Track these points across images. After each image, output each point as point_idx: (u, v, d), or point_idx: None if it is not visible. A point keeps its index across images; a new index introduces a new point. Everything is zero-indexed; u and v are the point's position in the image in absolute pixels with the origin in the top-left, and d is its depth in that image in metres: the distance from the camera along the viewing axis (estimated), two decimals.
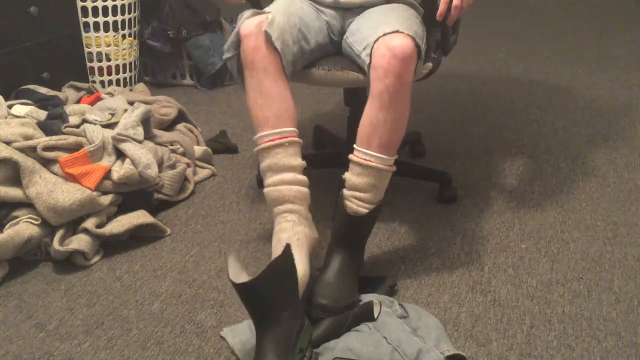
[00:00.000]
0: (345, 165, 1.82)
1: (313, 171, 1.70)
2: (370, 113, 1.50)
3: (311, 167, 1.69)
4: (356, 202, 1.51)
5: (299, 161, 1.53)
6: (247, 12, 1.58)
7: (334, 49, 1.75)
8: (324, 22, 1.71)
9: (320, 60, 1.72)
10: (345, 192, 1.53)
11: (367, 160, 1.50)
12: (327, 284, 1.46)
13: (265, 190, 1.53)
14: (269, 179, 1.53)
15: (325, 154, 1.75)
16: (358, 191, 1.51)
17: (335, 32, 1.73)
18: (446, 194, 1.97)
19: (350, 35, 1.67)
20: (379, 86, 1.47)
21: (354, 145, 1.53)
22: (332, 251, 1.53)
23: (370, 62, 1.50)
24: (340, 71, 1.68)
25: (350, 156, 1.53)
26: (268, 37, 1.51)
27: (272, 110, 1.54)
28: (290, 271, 1.27)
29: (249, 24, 1.54)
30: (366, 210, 1.51)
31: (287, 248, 1.25)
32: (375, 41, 1.49)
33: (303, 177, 1.54)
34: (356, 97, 1.95)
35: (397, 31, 1.48)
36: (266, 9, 1.60)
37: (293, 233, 1.47)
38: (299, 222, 1.50)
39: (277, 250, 1.44)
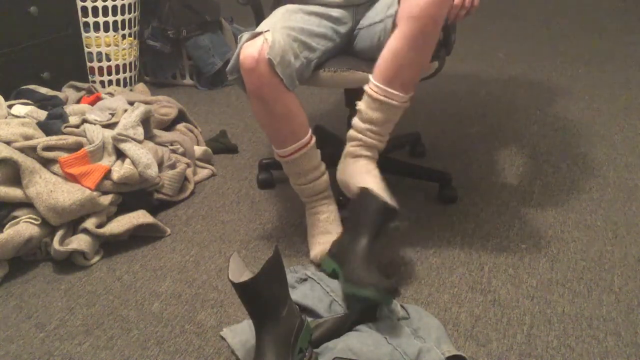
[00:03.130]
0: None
1: None
2: (400, 52, 1.51)
3: None
4: (370, 135, 1.59)
5: (318, 156, 1.69)
6: (246, 35, 1.56)
7: (340, 50, 1.75)
8: (327, 26, 1.69)
9: (326, 62, 1.71)
10: (359, 123, 1.59)
11: (388, 97, 1.55)
12: (364, 268, 1.43)
13: (298, 188, 1.71)
14: (299, 180, 1.69)
15: (326, 153, 1.76)
16: (374, 125, 1.58)
17: (345, 31, 1.73)
18: (446, 193, 1.97)
19: (365, 20, 1.69)
20: (413, 27, 1.48)
21: (372, 78, 1.56)
22: (355, 239, 1.49)
23: (399, 6, 1.51)
24: (347, 71, 1.68)
25: (367, 89, 1.57)
26: (271, 64, 1.50)
27: (287, 128, 1.60)
28: (282, 270, 1.29)
29: (249, 51, 1.51)
30: (380, 144, 1.61)
31: (276, 249, 1.28)
32: None
33: (323, 167, 1.70)
34: (357, 98, 1.95)
35: None
36: (264, 26, 1.57)
37: (329, 212, 1.70)
38: (330, 202, 1.72)
39: (315, 229, 1.70)
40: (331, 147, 2.23)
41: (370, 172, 1.59)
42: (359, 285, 1.39)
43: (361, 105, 1.59)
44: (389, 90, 1.54)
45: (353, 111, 1.96)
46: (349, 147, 1.63)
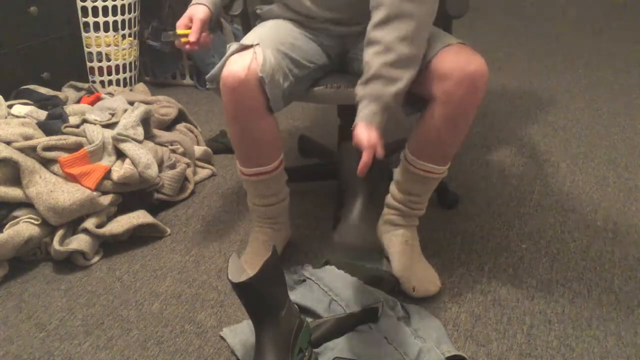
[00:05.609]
0: (335, 177, 1.79)
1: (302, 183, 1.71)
2: (439, 133, 1.44)
3: (299, 180, 1.67)
4: (409, 205, 1.59)
5: (281, 182, 1.60)
6: (234, 46, 1.44)
7: (333, 66, 1.66)
8: (317, 43, 1.60)
9: (325, 79, 1.63)
10: (397, 194, 1.59)
11: (428, 172, 1.52)
12: (352, 226, 1.38)
13: (251, 207, 1.63)
14: (254, 199, 1.61)
15: (314, 167, 1.69)
16: (413, 195, 1.58)
17: (333, 53, 1.63)
18: (445, 200, 1.94)
19: (360, 52, 1.53)
20: (451, 111, 1.39)
21: (409, 152, 1.52)
22: (354, 196, 1.42)
23: (425, 77, 1.41)
24: (351, 88, 1.55)
25: (405, 162, 1.53)
26: (262, 82, 1.38)
27: (257, 152, 1.50)
28: (280, 270, 1.29)
29: (234, 68, 1.38)
30: (420, 212, 1.61)
31: (274, 249, 1.28)
32: (434, 56, 1.39)
33: (285, 193, 1.62)
34: (350, 110, 1.92)
35: (462, 43, 1.40)
36: (253, 38, 1.45)
37: (271, 238, 1.64)
38: (278, 228, 1.66)
39: (253, 247, 1.63)
40: (319, 158, 2.20)
41: (408, 241, 1.61)
42: (347, 250, 1.35)
43: (398, 176, 1.57)
44: (429, 165, 1.50)
45: (344, 121, 1.93)
46: (388, 215, 1.64)
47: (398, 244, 1.61)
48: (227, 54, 1.44)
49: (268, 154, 1.51)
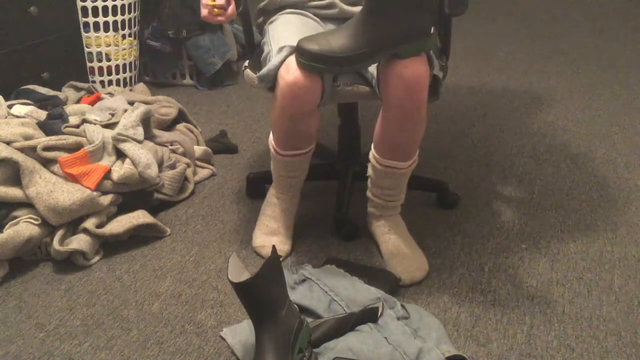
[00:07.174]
0: (335, 177, 1.79)
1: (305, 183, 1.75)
2: (391, 133, 1.53)
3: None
4: (384, 198, 1.66)
5: (309, 161, 1.70)
6: (287, 49, 1.47)
7: None
8: None
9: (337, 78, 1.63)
10: (373, 189, 1.67)
11: (391, 167, 1.59)
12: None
13: (276, 176, 1.72)
14: (281, 172, 1.70)
15: (314, 167, 1.71)
16: (386, 189, 1.65)
17: None
18: (445, 201, 1.94)
19: None
20: (396, 113, 1.48)
21: (373, 149, 1.60)
22: None
23: (377, 78, 1.49)
24: (350, 86, 1.60)
25: (371, 159, 1.61)
26: (324, 80, 1.45)
27: (300, 139, 1.60)
28: (281, 270, 1.29)
29: (301, 72, 1.43)
30: (398, 202, 1.69)
31: (274, 249, 1.28)
32: (383, 65, 1.45)
33: (307, 169, 1.71)
34: (349, 109, 1.92)
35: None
36: (293, 39, 1.48)
37: (289, 203, 1.74)
38: (294, 196, 1.76)
39: (274, 212, 1.74)
40: (319, 158, 2.17)
41: (392, 229, 1.68)
42: None
43: (370, 172, 1.65)
44: (392, 161, 1.58)
45: (344, 121, 1.94)
46: (369, 208, 1.72)
47: (381, 234, 1.69)
48: (281, 55, 1.47)
49: (307, 140, 1.62)
